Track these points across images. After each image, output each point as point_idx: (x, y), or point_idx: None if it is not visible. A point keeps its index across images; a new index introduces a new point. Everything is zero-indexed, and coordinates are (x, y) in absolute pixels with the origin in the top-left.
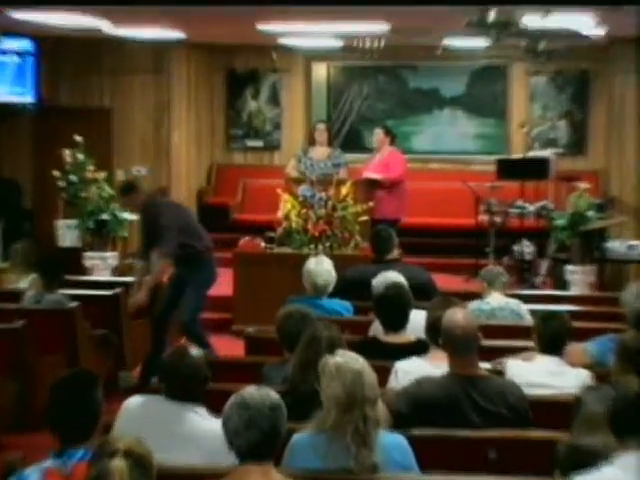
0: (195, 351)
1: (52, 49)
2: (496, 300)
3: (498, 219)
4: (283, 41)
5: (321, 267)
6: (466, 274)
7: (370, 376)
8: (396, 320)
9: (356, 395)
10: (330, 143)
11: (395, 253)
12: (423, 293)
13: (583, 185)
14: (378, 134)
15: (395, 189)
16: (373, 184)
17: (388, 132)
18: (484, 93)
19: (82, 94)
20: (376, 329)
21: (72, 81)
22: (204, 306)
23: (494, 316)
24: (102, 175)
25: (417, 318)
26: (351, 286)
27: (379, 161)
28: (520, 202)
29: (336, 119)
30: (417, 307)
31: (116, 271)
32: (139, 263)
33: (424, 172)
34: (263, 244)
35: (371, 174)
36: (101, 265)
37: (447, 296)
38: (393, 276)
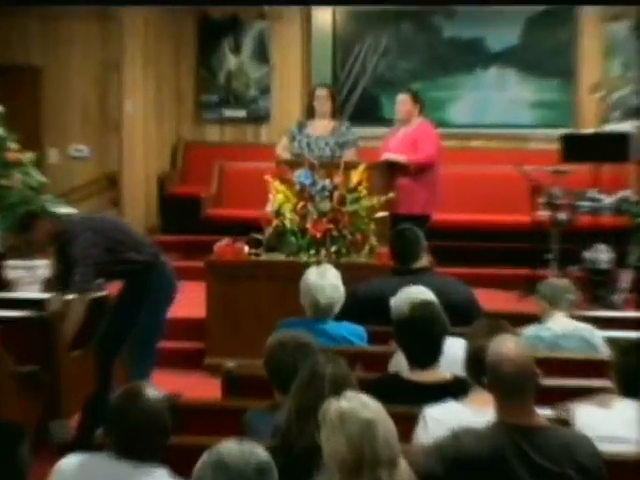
0: (153, 392)
1: None
2: (560, 325)
3: (563, 216)
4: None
5: (325, 280)
6: (520, 290)
7: (386, 427)
8: (425, 352)
9: (365, 453)
10: (335, 114)
11: (423, 261)
12: (461, 315)
13: None
14: (404, 101)
15: (424, 175)
16: (394, 168)
17: (416, 99)
18: (544, 46)
19: (2, 47)
20: (399, 363)
21: None
22: (163, 331)
23: (557, 346)
24: (29, 156)
25: (453, 349)
26: (365, 305)
27: (404, 137)
28: (593, 193)
29: (344, 82)
30: (453, 334)
31: (47, 285)
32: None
33: (463, 152)
34: (247, 249)
35: (392, 155)
36: (28, 277)
37: (494, 319)
38: (420, 292)
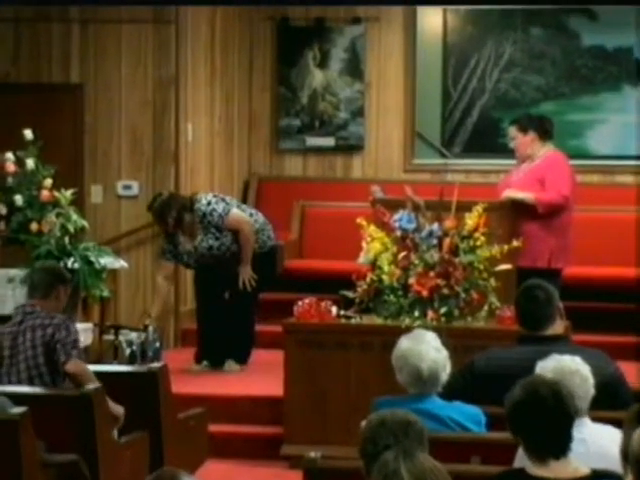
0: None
1: None
2: None
3: None
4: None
5: (422, 344)
6: None
7: None
8: (547, 441)
9: None
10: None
11: (557, 327)
12: (606, 396)
13: None
14: (511, 135)
15: (553, 219)
16: (518, 209)
17: (531, 127)
18: None
19: (31, 62)
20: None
21: (13, 41)
22: None
23: None
24: (67, 195)
25: (596, 436)
26: (483, 382)
27: (528, 172)
28: None
29: (457, 102)
30: (596, 419)
31: (88, 354)
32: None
33: (606, 190)
34: (335, 310)
35: (516, 193)
36: None
37: None
38: (568, 362)
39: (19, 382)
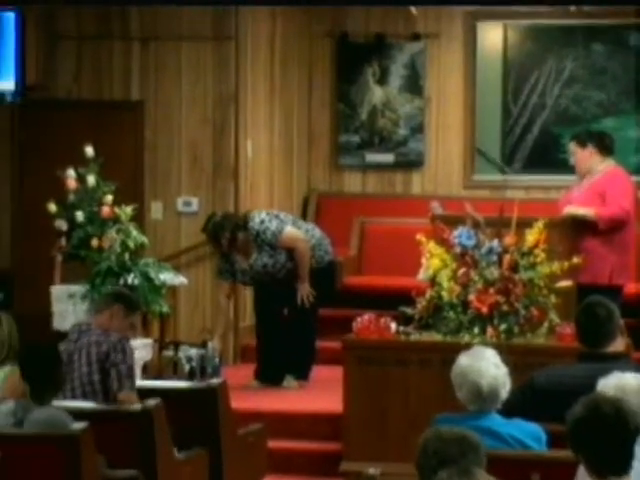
0: None
1: (42, 10)
2: None
3: None
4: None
5: (482, 360)
6: None
7: None
8: (609, 458)
9: None
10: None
11: (618, 344)
12: None
13: None
14: (571, 151)
15: (613, 235)
16: (580, 226)
17: (590, 142)
18: None
19: (92, 78)
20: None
21: (76, 58)
22: None
23: None
24: (127, 211)
25: None
26: (543, 399)
27: (588, 188)
28: None
29: (517, 118)
30: None
31: (148, 370)
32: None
33: None
34: (394, 326)
35: (576, 209)
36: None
37: None
38: (630, 380)
39: (73, 398)
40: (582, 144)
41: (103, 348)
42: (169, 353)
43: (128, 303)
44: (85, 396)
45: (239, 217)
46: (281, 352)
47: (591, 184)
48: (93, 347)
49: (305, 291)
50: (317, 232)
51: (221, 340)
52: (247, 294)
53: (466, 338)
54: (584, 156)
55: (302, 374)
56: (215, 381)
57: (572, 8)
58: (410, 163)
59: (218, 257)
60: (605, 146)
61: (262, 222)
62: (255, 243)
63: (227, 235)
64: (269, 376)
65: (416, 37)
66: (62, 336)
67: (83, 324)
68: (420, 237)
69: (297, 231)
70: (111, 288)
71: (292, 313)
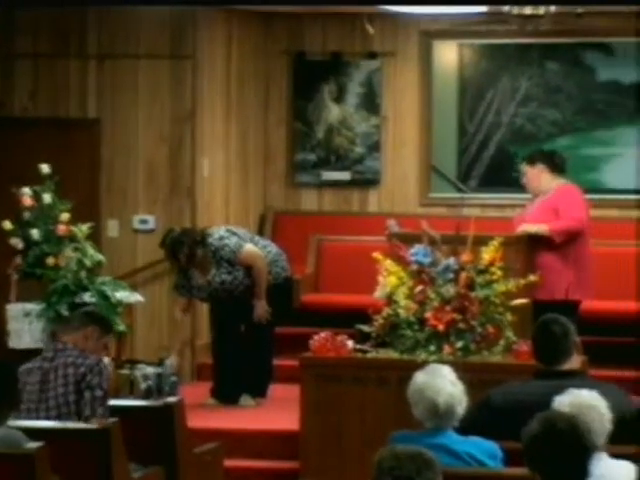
0: None
1: None
2: None
3: None
4: (385, 6)
5: (438, 377)
6: None
7: None
8: (564, 475)
9: None
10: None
11: (574, 362)
12: (624, 430)
13: None
14: (523, 169)
15: (569, 250)
16: (534, 242)
17: (540, 161)
18: None
19: (49, 97)
20: None
21: (32, 76)
22: None
23: None
24: (83, 229)
25: (613, 471)
26: (499, 417)
27: (542, 205)
28: None
29: (473, 136)
30: (613, 454)
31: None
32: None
33: (624, 225)
34: (351, 344)
35: (530, 226)
36: None
37: None
38: (586, 397)
39: (48, 418)
40: (532, 163)
41: (81, 370)
42: (126, 372)
43: (103, 325)
44: (60, 417)
45: (197, 233)
46: (237, 370)
47: (543, 202)
48: (70, 368)
49: (262, 309)
50: (274, 248)
51: (179, 356)
52: (204, 312)
53: (423, 356)
54: (534, 175)
55: (259, 392)
56: (172, 399)
57: (528, 26)
58: (366, 181)
59: (175, 272)
60: (555, 165)
61: (221, 238)
62: (214, 259)
63: (185, 251)
64: (225, 394)
65: (372, 55)
66: (18, 355)
67: (59, 342)
68: (377, 255)
69: (256, 249)
70: (84, 309)
71: (249, 331)
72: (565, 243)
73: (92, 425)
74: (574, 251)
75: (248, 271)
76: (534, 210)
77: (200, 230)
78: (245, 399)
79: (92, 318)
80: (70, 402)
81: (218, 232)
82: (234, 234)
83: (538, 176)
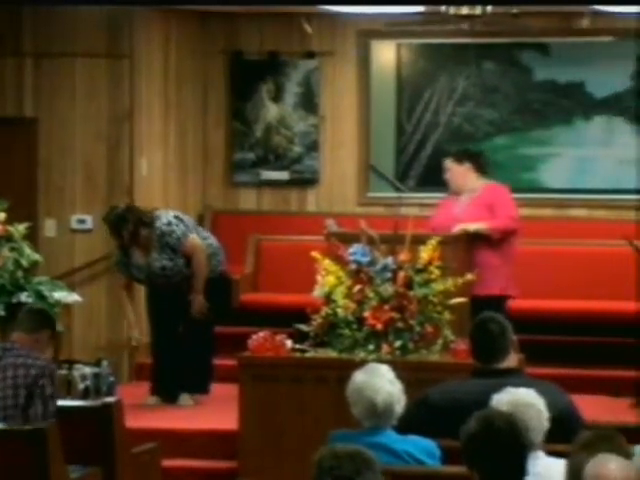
0: None
1: None
2: None
3: None
4: (323, 6)
5: (377, 377)
6: (631, 396)
7: None
8: (502, 473)
9: None
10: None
11: (511, 360)
12: (559, 429)
13: None
14: (448, 165)
15: (504, 247)
16: (472, 240)
17: (467, 160)
18: None
19: None
20: None
21: None
22: None
23: None
24: (20, 229)
25: (550, 469)
26: (437, 415)
27: (472, 203)
28: None
29: (411, 136)
30: (550, 452)
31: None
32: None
33: (559, 223)
34: (289, 344)
35: (470, 225)
36: None
37: (601, 431)
38: (523, 396)
39: None
40: (459, 161)
41: (31, 371)
42: (63, 372)
43: (53, 328)
44: (6, 419)
45: (144, 213)
46: (177, 368)
47: (474, 199)
48: (21, 369)
49: (199, 304)
50: (214, 241)
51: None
52: (142, 312)
53: (361, 355)
54: (460, 172)
55: (200, 389)
56: (110, 399)
57: (465, 26)
58: (305, 181)
59: (117, 248)
60: (480, 165)
61: (169, 224)
62: (158, 243)
63: (130, 228)
64: (165, 392)
65: (310, 55)
66: None
67: (7, 342)
68: (315, 254)
69: (200, 241)
70: (37, 310)
71: (188, 329)
72: (500, 241)
73: (28, 426)
74: (507, 249)
75: (189, 261)
76: (467, 208)
77: (147, 211)
78: (184, 399)
79: (46, 321)
80: (19, 404)
81: (166, 216)
82: (181, 221)
83: (464, 174)
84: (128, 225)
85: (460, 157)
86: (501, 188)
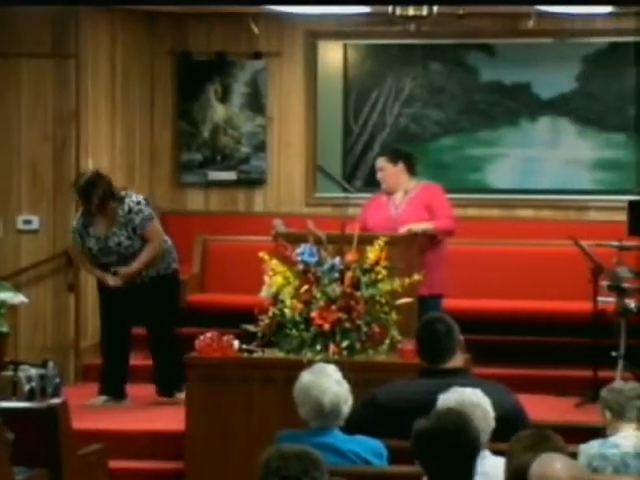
0: None
1: None
2: (630, 440)
3: (631, 303)
4: (270, 6)
5: (324, 377)
6: (578, 396)
7: None
8: (451, 472)
9: None
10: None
11: (457, 360)
12: (505, 428)
13: None
14: (381, 164)
15: (439, 248)
16: (416, 241)
17: (401, 160)
18: (607, 92)
19: None
20: None
21: None
22: None
23: (627, 467)
24: None
25: (497, 468)
26: (384, 415)
27: (409, 203)
28: None
29: (358, 136)
30: (496, 451)
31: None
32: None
33: (506, 224)
34: (237, 344)
35: (413, 225)
36: None
37: (543, 430)
38: (470, 395)
39: None
40: (393, 161)
41: None
42: (8, 373)
43: None
44: None
45: (115, 187)
46: (126, 367)
47: (411, 199)
48: None
49: (127, 275)
50: (169, 240)
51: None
52: (89, 313)
53: (308, 355)
54: (393, 172)
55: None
56: (55, 401)
57: (411, 27)
58: (252, 181)
59: (79, 215)
60: (412, 166)
61: (139, 203)
62: (123, 219)
63: (100, 194)
64: (113, 394)
65: (257, 55)
66: None
67: None
68: (263, 255)
69: (162, 231)
70: None
71: (151, 331)
72: (438, 241)
73: None
74: (444, 248)
75: (143, 246)
76: (405, 208)
77: (118, 187)
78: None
79: None
80: None
81: (137, 197)
82: (149, 206)
83: (397, 174)
84: (98, 190)
85: (395, 157)
86: (436, 188)
